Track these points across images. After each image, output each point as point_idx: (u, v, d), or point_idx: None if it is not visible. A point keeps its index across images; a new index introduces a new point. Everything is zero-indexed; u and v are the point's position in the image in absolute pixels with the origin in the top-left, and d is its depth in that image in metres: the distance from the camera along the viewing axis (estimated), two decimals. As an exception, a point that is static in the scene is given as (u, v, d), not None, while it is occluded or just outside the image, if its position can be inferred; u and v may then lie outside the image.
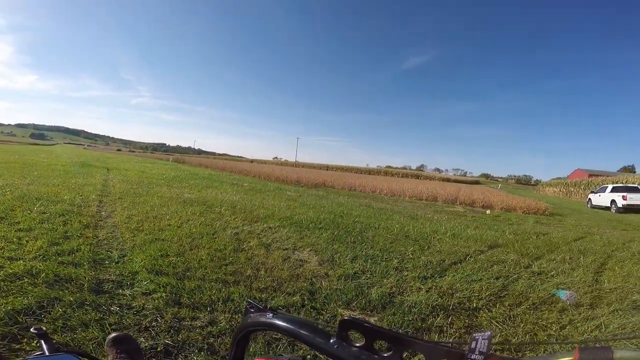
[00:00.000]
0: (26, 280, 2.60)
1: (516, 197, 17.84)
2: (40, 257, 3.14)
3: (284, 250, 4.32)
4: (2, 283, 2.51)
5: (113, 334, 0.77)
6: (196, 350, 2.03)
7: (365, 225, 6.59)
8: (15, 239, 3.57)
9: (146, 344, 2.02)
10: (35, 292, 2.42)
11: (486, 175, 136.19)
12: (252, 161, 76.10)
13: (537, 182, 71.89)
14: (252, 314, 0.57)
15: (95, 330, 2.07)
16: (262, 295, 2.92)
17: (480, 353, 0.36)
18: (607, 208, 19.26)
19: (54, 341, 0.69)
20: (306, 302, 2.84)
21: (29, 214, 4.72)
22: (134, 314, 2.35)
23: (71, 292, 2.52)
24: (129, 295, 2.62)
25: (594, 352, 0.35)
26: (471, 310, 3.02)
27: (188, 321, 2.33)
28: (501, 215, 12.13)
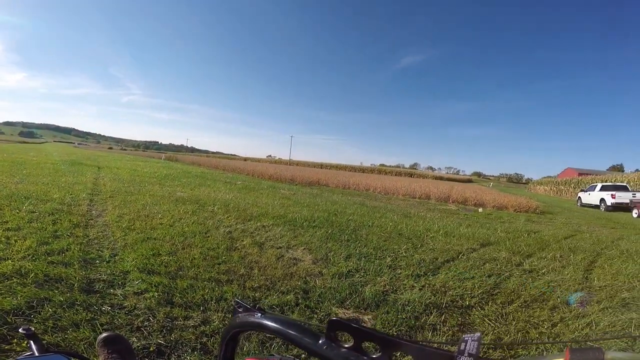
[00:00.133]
0: (15, 280, 2.56)
1: (508, 195, 18.04)
2: (29, 256, 3.09)
3: (277, 248, 4.31)
4: (-11, 283, 2.46)
5: (104, 334, 0.76)
6: (189, 350, 2.02)
7: (359, 223, 6.61)
8: (3, 239, 3.51)
9: (138, 344, 2.00)
10: (25, 292, 2.38)
11: (478, 174, 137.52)
12: (245, 159, 75.64)
13: (528, 181, 72.77)
14: (240, 314, 0.56)
15: (87, 331, 2.05)
16: (256, 295, 2.91)
17: (470, 355, 0.35)
18: (597, 206, 19.62)
19: (44, 341, 0.68)
20: (300, 301, 2.84)
21: (17, 213, 4.64)
22: (125, 313, 2.33)
23: (61, 292, 2.48)
24: (121, 294, 2.59)
25: (584, 353, 0.34)
26: (464, 308, 3.05)
27: (181, 321, 2.32)
28: (493, 213, 12.25)
